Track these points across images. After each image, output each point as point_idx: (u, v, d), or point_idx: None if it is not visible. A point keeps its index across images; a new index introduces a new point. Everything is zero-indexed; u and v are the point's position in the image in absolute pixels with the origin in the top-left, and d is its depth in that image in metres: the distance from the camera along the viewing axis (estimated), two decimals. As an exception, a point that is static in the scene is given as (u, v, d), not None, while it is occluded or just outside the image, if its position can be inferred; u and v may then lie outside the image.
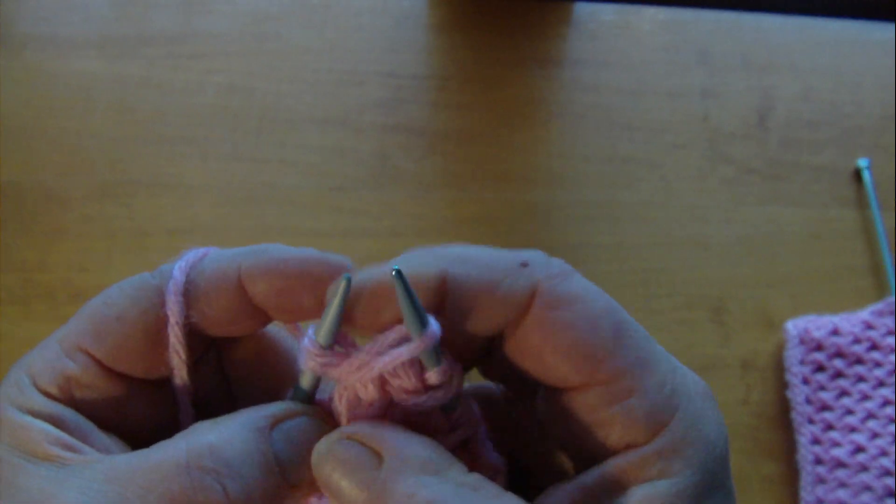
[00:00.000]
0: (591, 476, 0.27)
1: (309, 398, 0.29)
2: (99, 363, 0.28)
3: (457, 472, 0.26)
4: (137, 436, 0.29)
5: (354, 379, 0.28)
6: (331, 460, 0.27)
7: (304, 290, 0.28)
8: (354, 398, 0.28)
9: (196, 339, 0.29)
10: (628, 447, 0.26)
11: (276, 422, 0.28)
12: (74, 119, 0.63)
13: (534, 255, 0.28)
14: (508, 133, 0.64)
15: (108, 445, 0.28)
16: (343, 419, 0.28)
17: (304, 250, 0.29)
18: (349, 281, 0.27)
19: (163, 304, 0.28)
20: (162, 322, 0.29)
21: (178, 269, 0.29)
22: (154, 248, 0.58)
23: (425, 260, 0.28)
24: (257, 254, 0.29)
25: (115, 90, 0.64)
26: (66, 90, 0.64)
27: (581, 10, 0.69)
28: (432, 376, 0.27)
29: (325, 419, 0.29)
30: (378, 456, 0.26)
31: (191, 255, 0.29)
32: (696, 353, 0.58)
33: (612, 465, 0.26)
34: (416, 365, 0.27)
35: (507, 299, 0.27)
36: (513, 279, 0.27)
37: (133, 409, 0.30)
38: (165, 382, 0.30)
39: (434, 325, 0.27)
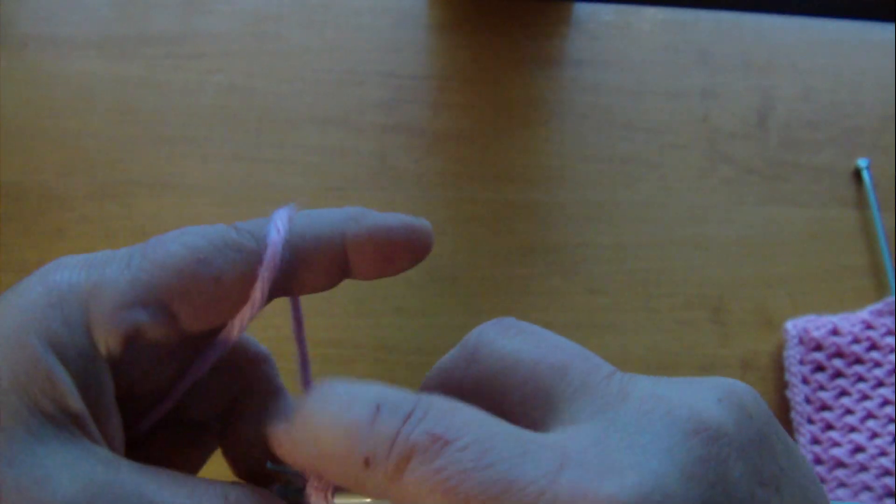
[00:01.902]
0: None
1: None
2: (174, 321, 0.26)
3: None
4: (137, 399, 0.28)
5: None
6: None
7: (406, 256, 0.29)
8: None
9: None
10: None
11: None
12: (74, 119, 0.63)
13: (380, 437, 0.22)
14: (508, 133, 0.64)
15: (114, 433, 0.26)
16: None
17: (399, 216, 0.29)
18: None
19: (257, 267, 0.27)
20: (249, 285, 0.27)
21: (279, 235, 0.27)
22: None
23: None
24: (359, 219, 0.29)
25: (115, 90, 0.64)
26: (66, 90, 0.64)
27: (581, 10, 0.69)
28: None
29: None
30: None
31: (283, 217, 0.28)
32: (695, 353, 0.59)
33: None
34: None
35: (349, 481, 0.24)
36: (356, 479, 0.23)
37: (160, 371, 0.28)
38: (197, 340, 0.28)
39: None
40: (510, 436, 0.22)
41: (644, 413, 0.23)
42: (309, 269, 0.28)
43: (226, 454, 0.31)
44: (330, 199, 0.61)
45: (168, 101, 0.64)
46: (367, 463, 0.21)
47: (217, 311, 0.27)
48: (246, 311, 0.27)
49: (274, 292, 0.28)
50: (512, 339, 0.28)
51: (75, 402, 0.24)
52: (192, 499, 0.24)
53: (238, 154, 0.62)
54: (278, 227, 0.28)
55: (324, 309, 0.58)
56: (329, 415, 0.22)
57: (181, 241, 0.27)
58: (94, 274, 0.26)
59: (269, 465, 0.29)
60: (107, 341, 0.25)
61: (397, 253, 0.29)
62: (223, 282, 0.26)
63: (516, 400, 0.26)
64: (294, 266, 0.28)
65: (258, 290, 0.27)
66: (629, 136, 0.65)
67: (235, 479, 0.30)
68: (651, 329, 0.59)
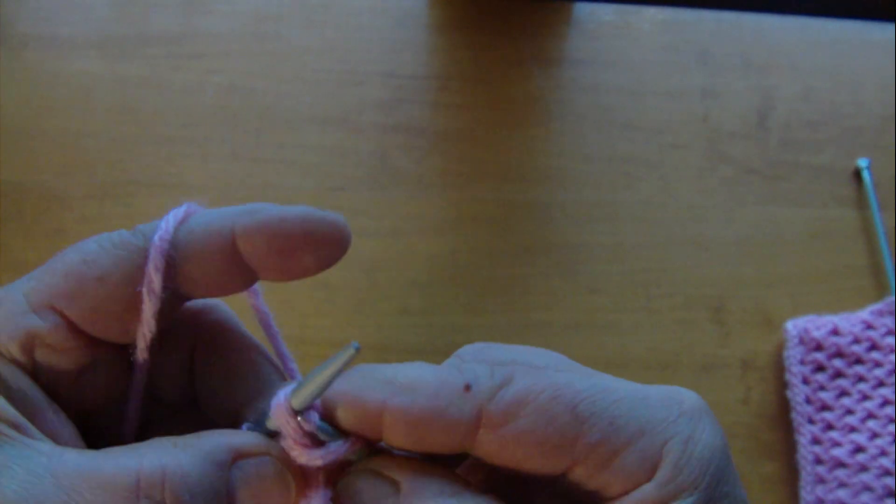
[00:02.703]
0: None
1: (271, 433, 0.28)
2: (70, 324, 0.27)
3: (471, 495, 0.26)
4: (88, 411, 0.28)
5: (301, 460, 0.27)
6: (347, 494, 0.27)
7: (307, 249, 0.27)
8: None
9: (168, 307, 0.28)
10: (628, 492, 0.26)
11: (239, 457, 0.27)
12: (74, 119, 0.63)
13: (477, 373, 0.27)
14: (508, 133, 0.64)
15: (56, 428, 0.27)
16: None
17: (300, 208, 0.28)
18: (356, 352, 0.26)
19: (144, 265, 0.27)
20: (138, 283, 0.27)
21: (164, 230, 0.27)
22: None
23: (367, 387, 0.27)
24: (253, 213, 0.28)
25: (115, 90, 0.64)
26: (66, 90, 0.64)
27: (581, 10, 0.69)
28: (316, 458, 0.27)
29: (286, 461, 0.27)
30: (395, 485, 0.26)
31: (174, 214, 0.28)
32: (696, 353, 0.59)
33: None
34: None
35: (452, 428, 0.26)
36: (457, 406, 0.26)
37: (90, 380, 0.28)
38: (127, 354, 0.29)
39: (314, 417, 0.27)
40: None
41: None
42: (199, 264, 0.28)
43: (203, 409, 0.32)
44: (330, 199, 0.61)
45: (168, 101, 0.64)
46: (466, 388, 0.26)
47: (110, 312, 0.27)
48: (146, 309, 0.27)
49: (175, 297, 0.28)
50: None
51: (4, 411, 0.25)
52: (135, 457, 0.25)
53: (238, 154, 0.62)
54: (167, 222, 0.27)
55: (324, 309, 0.58)
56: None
57: (77, 246, 0.27)
58: (3, 291, 0.28)
59: (306, 419, 0.28)
60: (9, 350, 0.26)
61: (294, 246, 0.27)
62: (108, 281, 0.26)
63: None
64: (184, 261, 0.27)
65: (145, 287, 0.27)
66: (629, 136, 0.65)
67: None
68: (651, 329, 0.59)
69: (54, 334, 0.27)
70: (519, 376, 0.27)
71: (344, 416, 0.27)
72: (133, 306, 0.27)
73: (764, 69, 0.67)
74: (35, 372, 0.27)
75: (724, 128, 0.65)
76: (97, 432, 0.29)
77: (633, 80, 0.67)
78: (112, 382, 0.29)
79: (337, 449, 0.27)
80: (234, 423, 0.30)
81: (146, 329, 0.28)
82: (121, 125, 0.63)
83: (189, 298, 0.29)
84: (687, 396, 0.28)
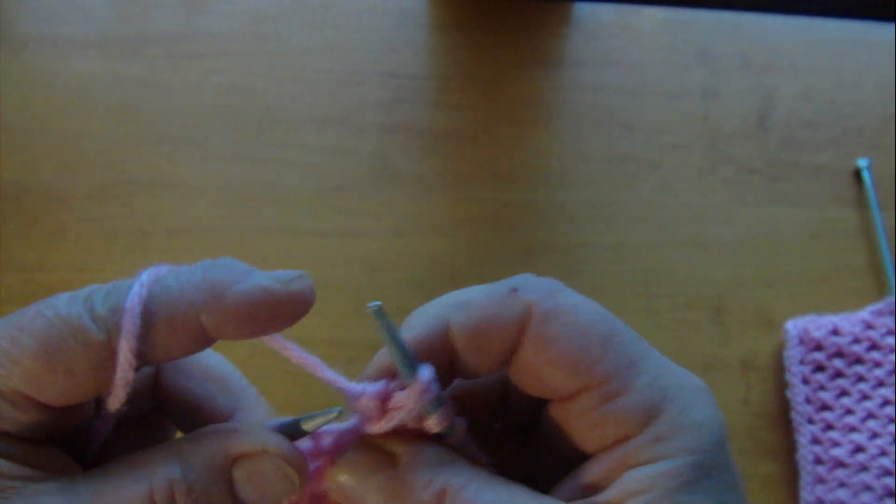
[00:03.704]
0: (586, 471, 0.28)
1: (295, 432, 0.29)
2: (36, 403, 0.27)
3: (467, 464, 0.28)
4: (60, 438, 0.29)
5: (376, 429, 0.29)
6: (344, 467, 0.28)
7: (273, 324, 0.28)
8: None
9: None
10: (622, 440, 0.27)
11: (239, 459, 0.28)
12: (74, 119, 0.63)
13: (523, 280, 0.30)
14: (508, 133, 0.64)
15: (38, 456, 0.27)
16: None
17: (269, 282, 0.27)
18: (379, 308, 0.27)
19: (111, 354, 0.27)
20: (106, 362, 0.27)
21: (130, 325, 0.27)
22: (154, 248, 0.58)
23: (426, 317, 0.29)
24: (217, 293, 0.27)
25: (115, 90, 0.64)
26: (66, 90, 0.64)
27: (581, 10, 0.69)
28: (432, 424, 0.28)
29: (285, 455, 0.28)
30: (392, 458, 0.28)
31: (135, 301, 0.27)
32: (696, 353, 0.58)
33: (606, 458, 0.27)
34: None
35: (504, 327, 0.28)
36: (507, 307, 0.29)
37: (58, 422, 0.29)
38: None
39: (425, 371, 0.28)
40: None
41: None
42: (164, 347, 0.27)
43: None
44: (330, 199, 0.61)
45: (168, 101, 0.64)
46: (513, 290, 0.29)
47: (77, 392, 0.27)
48: (118, 391, 0.27)
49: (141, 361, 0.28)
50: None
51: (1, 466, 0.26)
52: (144, 478, 0.27)
53: (238, 154, 0.62)
54: (132, 314, 0.27)
55: (324, 309, 0.58)
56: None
57: (32, 330, 0.27)
58: None
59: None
60: None
61: (261, 325, 0.27)
62: (76, 373, 0.26)
63: None
64: (149, 347, 0.27)
65: (116, 377, 0.27)
66: (629, 136, 0.65)
67: None
68: (651, 329, 0.59)
69: (24, 413, 0.27)
70: (567, 293, 0.29)
71: (419, 347, 0.29)
72: (102, 381, 0.27)
73: (764, 69, 0.67)
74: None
75: (725, 128, 0.65)
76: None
77: (633, 80, 0.67)
78: (80, 415, 0.30)
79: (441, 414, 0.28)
80: (196, 419, 0.31)
81: (116, 401, 0.28)
82: (121, 125, 0.63)
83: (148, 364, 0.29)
84: (698, 379, 0.29)
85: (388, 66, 0.66)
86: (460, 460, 0.28)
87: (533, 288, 0.29)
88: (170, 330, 0.27)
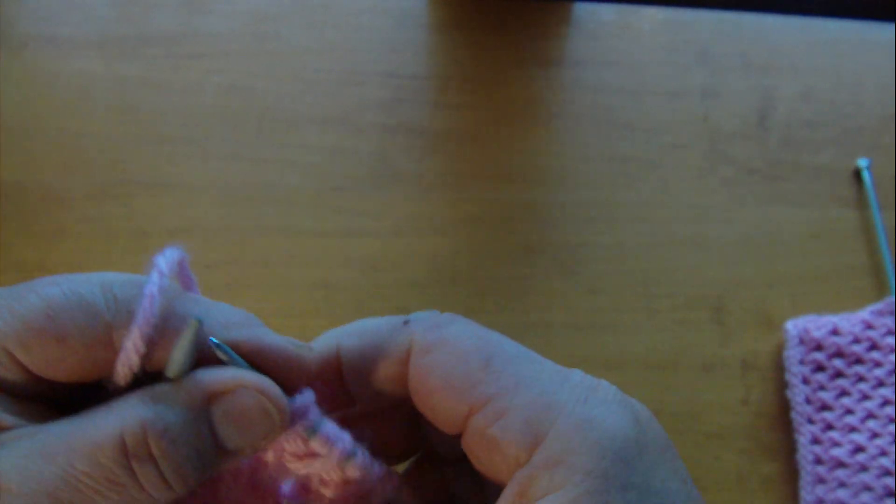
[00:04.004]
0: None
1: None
2: (23, 367, 0.27)
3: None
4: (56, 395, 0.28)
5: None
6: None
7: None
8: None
9: None
10: (514, 467, 0.26)
11: (216, 396, 0.27)
12: (74, 119, 0.63)
13: (417, 314, 0.31)
14: (508, 133, 0.64)
15: (29, 409, 0.27)
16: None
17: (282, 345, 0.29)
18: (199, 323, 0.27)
19: (111, 339, 0.27)
20: (106, 346, 0.27)
21: (147, 313, 0.27)
22: (154, 248, 0.58)
23: (324, 339, 0.31)
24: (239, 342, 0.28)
25: (115, 90, 0.64)
26: (66, 90, 0.64)
27: (581, 10, 0.69)
28: (315, 446, 0.28)
29: (269, 395, 0.28)
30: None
31: (157, 290, 0.28)
32: (695, 353, 0.59)
33: (509, 490, 0.26)
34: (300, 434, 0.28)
35: (387, 356, 0.29)
36: (393, 338, 0.30)
37: (55, 389, 0.28)
38: None
39: (301, 398, 0.28)
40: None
41: None
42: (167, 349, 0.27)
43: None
44: (330, 199, 0.61)
45: (168, 101, 0.64)
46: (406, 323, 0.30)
47: (67, 366, 0.26)
48: (122, 368, 0.27)
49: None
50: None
51: None
52: (115, 418, 0.26)
53: (238, 154, 0.62)
54: (150, 303, 0.27)
55: (324, 309, 0.58)
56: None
57: (43, 292, 0.27)
58: None
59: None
60: None
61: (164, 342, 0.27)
62: (67, 343, 0.26)
63: None
64: (155, 347, 0.27)
65: (119, 362, 0.27)
66: (629, 136, 0.65)
67: None
68: (651, 329, 0.59)
69: (7, 372, 0.26)
70: (454, 326, 0.30)
71: (317, 368, 0.30)
72: (99, 361, 0.27)
73: (764, 69, 0.67)
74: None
75: (725, 128, 0.65)
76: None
77: (633, 80, 0.67)
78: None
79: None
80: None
81: (119, 379, 0.27)
82: (120, 125, 0.63)
83: None
84: (605, 385, 0.28)
85: (388, 66, 0.66)
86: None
87: (420, 321, 0.30)
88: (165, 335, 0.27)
